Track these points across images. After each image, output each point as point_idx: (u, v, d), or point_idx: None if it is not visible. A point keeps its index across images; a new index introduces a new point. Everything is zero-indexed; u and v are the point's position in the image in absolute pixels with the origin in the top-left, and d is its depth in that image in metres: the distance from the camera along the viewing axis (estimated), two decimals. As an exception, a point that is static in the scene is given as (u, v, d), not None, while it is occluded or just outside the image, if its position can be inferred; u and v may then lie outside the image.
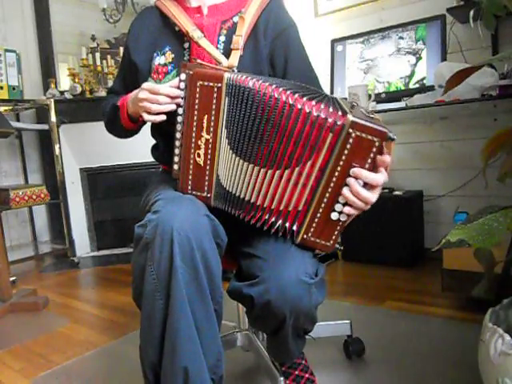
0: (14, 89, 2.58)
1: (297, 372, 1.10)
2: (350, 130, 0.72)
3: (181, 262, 0.74)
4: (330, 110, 0.74)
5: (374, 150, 0.72)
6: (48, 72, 3.11)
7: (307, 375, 1.10)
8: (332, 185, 0.77)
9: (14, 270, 2.59)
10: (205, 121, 0.82)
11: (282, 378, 1.05)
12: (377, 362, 1.28)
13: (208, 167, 0.85)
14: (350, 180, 0.75)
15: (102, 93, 2.95)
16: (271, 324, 0.87)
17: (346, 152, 0.74)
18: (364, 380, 1.21)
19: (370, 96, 2.07)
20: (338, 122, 0.73)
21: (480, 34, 1.88)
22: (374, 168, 0.75)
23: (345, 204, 0.77)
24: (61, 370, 1.40)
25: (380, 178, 0.75)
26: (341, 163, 0.75)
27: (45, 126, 2.82)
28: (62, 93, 2.94)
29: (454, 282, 1.61)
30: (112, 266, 2.73)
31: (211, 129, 0.83)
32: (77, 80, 2.97)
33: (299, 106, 0.76)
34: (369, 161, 0.73)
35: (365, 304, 1.74)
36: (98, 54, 3.05)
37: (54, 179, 2.90)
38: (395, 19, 2.24)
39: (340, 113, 0.74)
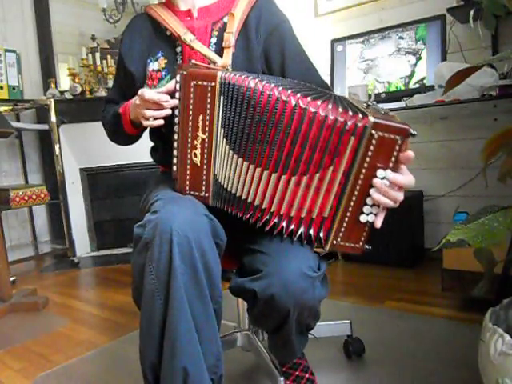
0: (14, 89, 2.59)
1: (297, 372, 1.09)
2: (373, 132, 0.71)
3: (180, 262, 0.74)
4: (350, 113, 0.73)
5: (397, 148, 0.72)
6: (48, 72, 3.11)
7: (307, 375, 1.10)
8: (358, 188, 0.76)
9: (14, 270, 2.59)
10: (200, 120, 0.82)
11: (282, 378, 1.04)
12: (377, 362, 1.28)
13: (205, 167, 0.85)
14: (376, 181, 0.74)
15: (102, 93, 2.95)
16: (274, 320, 0.87)
17: (369, 154, 0.73)
18: (364, 380, 1.21)
19: (370, 96, 2.06)
20: (359, 124, 0.72)
21: (480, 33, 1.88)
22: (397, 166, 0.74)
23: (373, 205, 0.77)
24: (61, 370, 1.40)
25: (409, 179, 0.75)
26: (365, 165, 0.74)
27: (45, 126, 2.82)
28: (62, 93, 2.94)
29: (454, 281, 1.60)
30: (112, 266, 2.73)
31: (207, 128, 0.82)
32: (77, 80, 2.97)
33: (312, 110, 0.74)
34: (392, 159, 0.73)
35: (365, 304, 1.74)
36: (97, 54, 3.05)
37: (54, 179, 2.90)
38: (395, 19, 2.24)
39: (360, 115, 0.72)
